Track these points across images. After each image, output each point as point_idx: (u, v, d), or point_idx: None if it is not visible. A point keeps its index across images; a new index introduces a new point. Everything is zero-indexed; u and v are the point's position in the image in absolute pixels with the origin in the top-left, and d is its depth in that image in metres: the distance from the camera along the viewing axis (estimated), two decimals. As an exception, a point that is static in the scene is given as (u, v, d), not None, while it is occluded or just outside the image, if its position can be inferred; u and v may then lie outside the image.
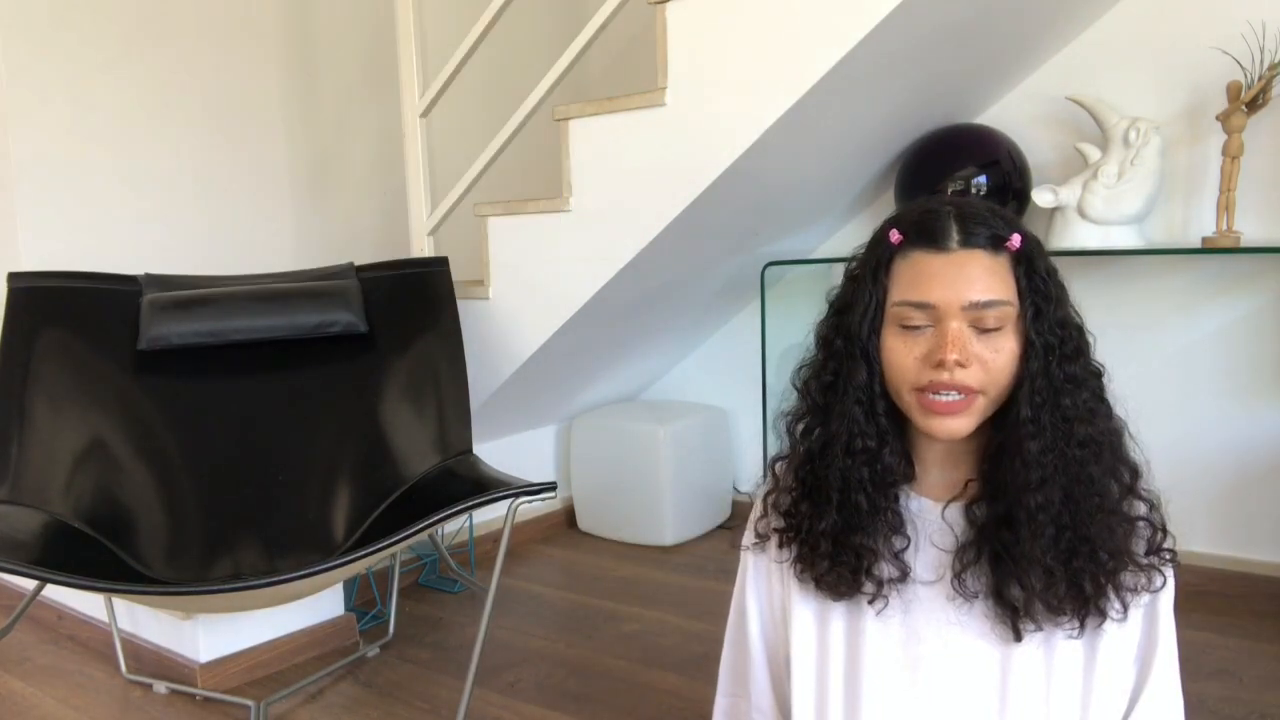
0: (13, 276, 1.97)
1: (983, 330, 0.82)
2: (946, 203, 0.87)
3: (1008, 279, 0.83)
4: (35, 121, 2.25)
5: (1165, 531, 0.86)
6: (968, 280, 0.81)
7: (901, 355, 0.84)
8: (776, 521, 0.95)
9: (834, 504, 0.88)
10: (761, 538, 0.97)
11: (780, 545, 0.95)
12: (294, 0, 2.73)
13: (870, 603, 0.88)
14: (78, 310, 1.99)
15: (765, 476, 0.99)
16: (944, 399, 0.82)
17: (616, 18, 2.08)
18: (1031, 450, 0.82)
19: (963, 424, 0.83)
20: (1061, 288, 0.86)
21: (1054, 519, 0.82)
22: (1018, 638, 0.84)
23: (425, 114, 2.44)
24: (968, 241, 0.83)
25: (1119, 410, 0.88)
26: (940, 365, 0.81)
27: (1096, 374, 0.86)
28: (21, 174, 2.23)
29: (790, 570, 0.93)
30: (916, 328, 0.83)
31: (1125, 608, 0.83)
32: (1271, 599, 2.26)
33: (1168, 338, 2.38)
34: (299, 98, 2.77)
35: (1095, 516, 0.82)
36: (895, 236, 0.86)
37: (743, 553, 1.01)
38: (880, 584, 0.88)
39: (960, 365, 0.81)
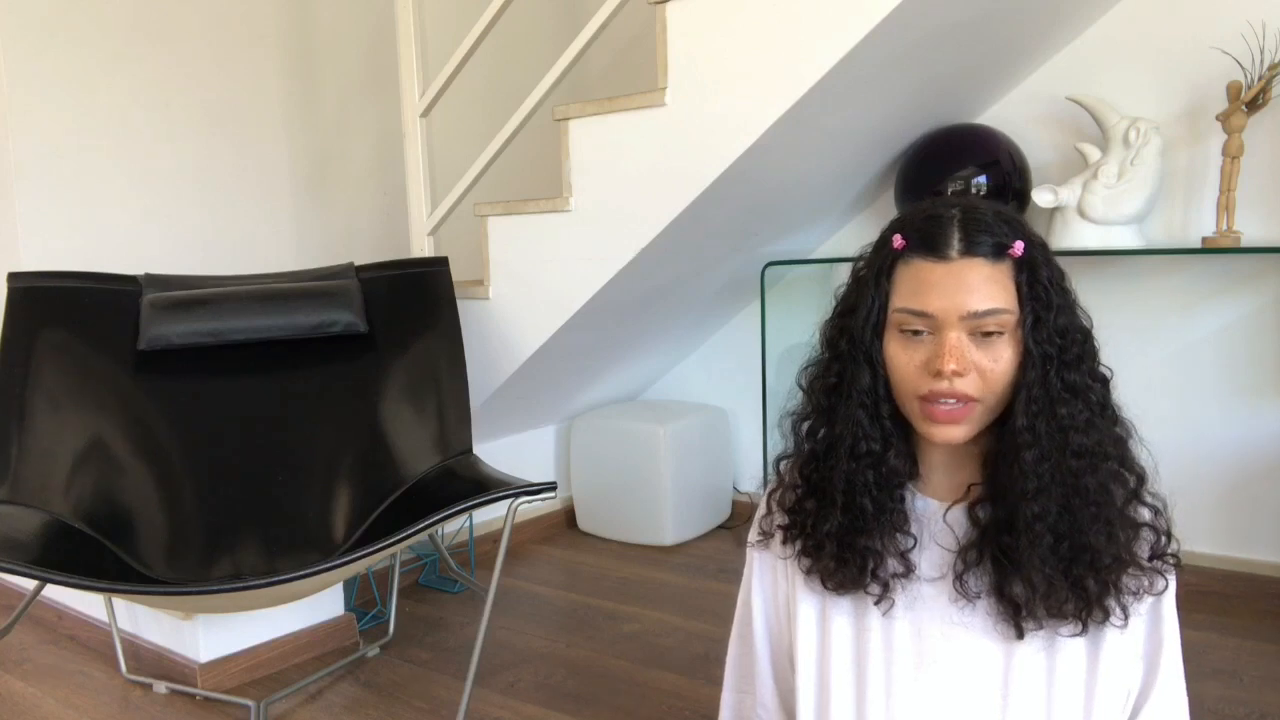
0: (13, 276, 1.97)
1: (983, 338, 0.82)
2: (953, 206, 0.86)
3: (1008, 286, 0.82)
4: (35, 121, 2.25)
5: (1170, 536, 0.86)
6: (967, 290, 0.81)
7: (903, 363, 0.85)
8: (781, 519, 0.96)
9: (839, 505, 0.88)
10: (766, 534, 0.98)
11: (784, 542, 0.95)
12: (294, 0, 2.73)
13: (876, 604, 0.89)
14: (78, 310, 1.99)
15: (770, 475, 1.00)
16: (943, 407, 0.83)
17: (616, 18, 2.08)
18: (1028, 459, 0.82)
19: (960, 431, 0.84)
20: (1067, 293, 0.85)
21: (1051, 528, 0.82)
22: (1020, 635, 0.85)
23: (425, 114, 2.44)
24: (969, 250, 0.82)
25: (1125, 413, 0.87)
26: (939, 374, 0.81)
27: (1102, 380, 0.86)
28: (21, 174, 2.23)
29: (795, 565, 0.94)
30: (917, 333, 0.84)
31: (1126, 614, 0.84)
32: (1272, 599, 2.26)
33: (1168, 338, 2.38)
34: (299, 98, 2.77)
35: (1094, 526, 0.82)
36: (899, 242, 0.86)
37: (748, 549, 1.02)
38: (885, 585, 0.88)
39: (958, 374, 0.81)
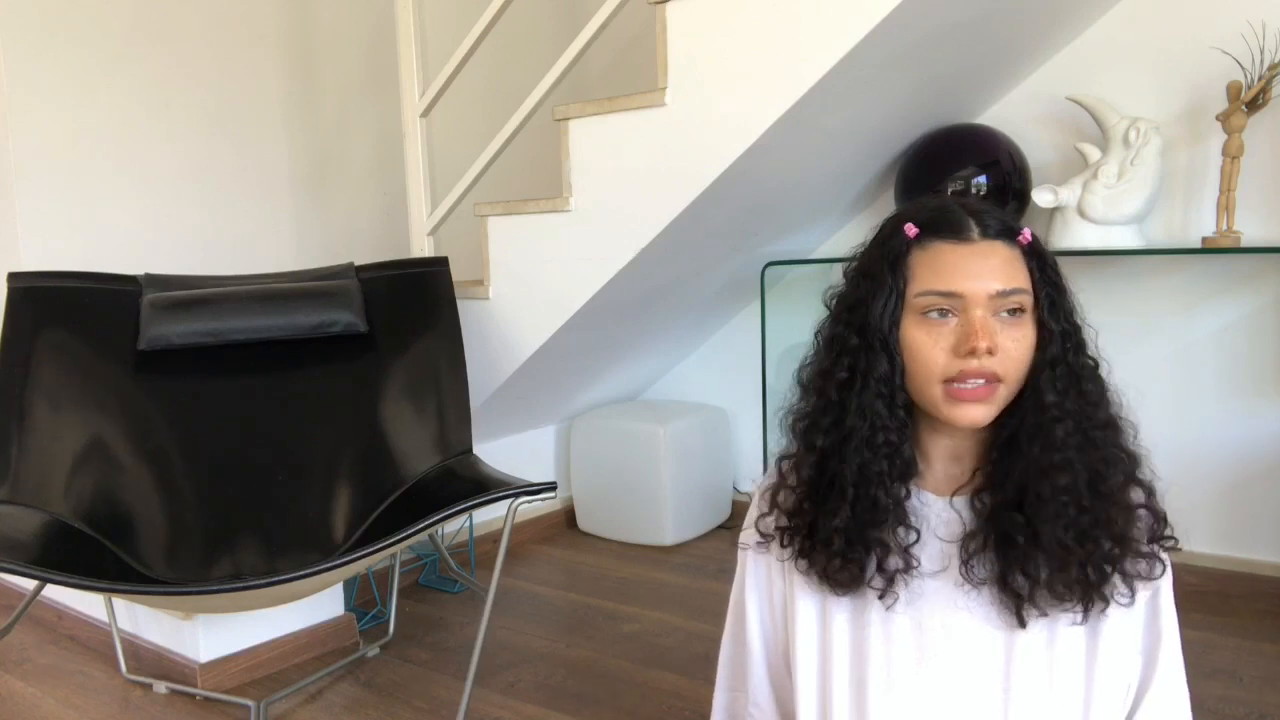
0: (13, 276, 1.97)
1: (1006, 318, 0.84)
2: (951, 200, 0.89)
3: (1024, 270, 0.85)
4: (35, 121, 2.25)
5: (1165, 520, 0.87)
6: (991, 270, 0.83)
7: (928, 348, 0.85)
8: (780, 520, 0.95)
9: (848, 499, 0.88)
10: (765, 536, 0.97)
11: (783, 544, 0.95)
12: (294, 0, 2.73)
13: (880, 598, 0.89)
14: (78, 310, 1.99)
15: (768, 471, 0.99)
16: (970, 386, 0.83)
17: (616, 18, 2.08)
18: (1058, 433, 0.84)
19: (985, 412, 0.84)
20: (1066, 282, 0.88)
21: (1076, 501, 0.83)
22: (1021, 624, 0.85)
23: (425, 114, 2.44)
24: (986, 233, 0.85)
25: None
26: (971, 353, 0.82)
27: (1098, 364, 0.89)
28: (21, 174, 2.23)
29: (793, 566, 0.94)
30: (944, 313, 0.84)
31: (1132, 592, 0.85)
32: (1271, 599, 2.26)
33: (1168, 338, 2.38)
34: (299, 97, 2.77)
35: (1108, 499, 0.84)
36: (911, 230, 0.87)
37: (741, 551, 1.02)
38: (889, 579, 0.88)
39: (990, 352, 0.82)
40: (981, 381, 0.83)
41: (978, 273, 0.83)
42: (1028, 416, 0.85)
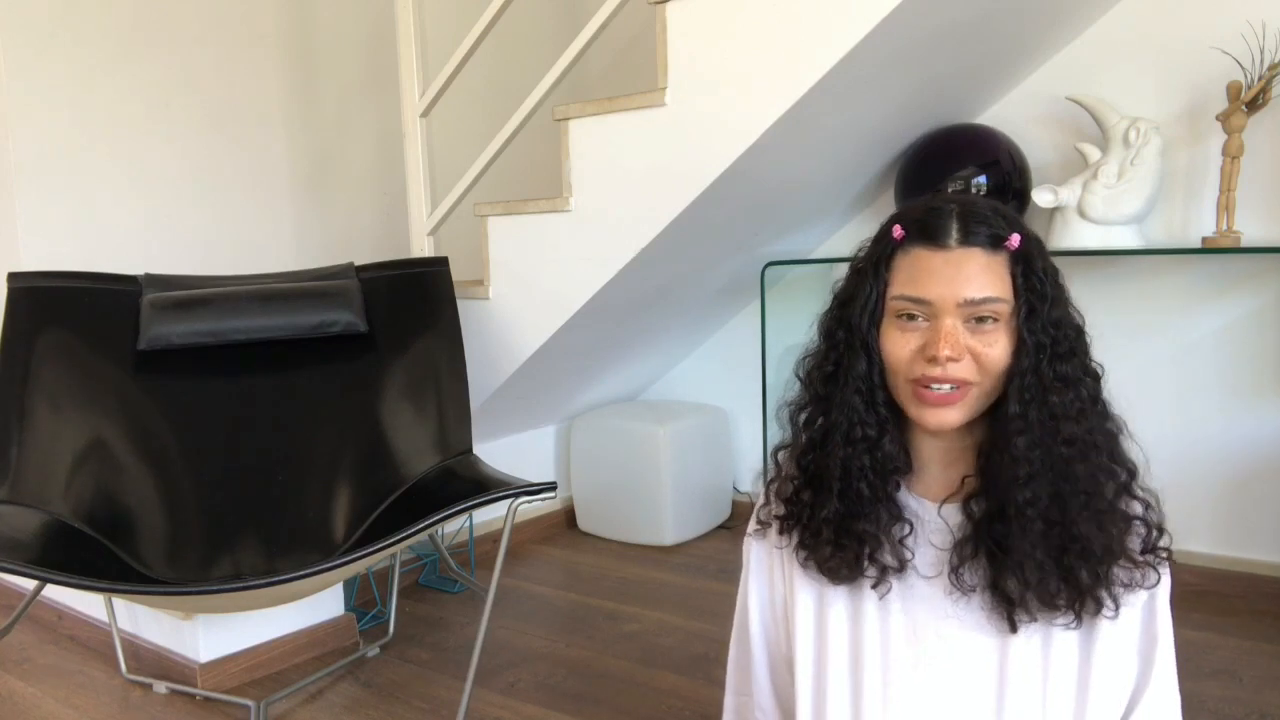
0: (13, 276, 1.97)
1: (977, 324, 0.84)
2: (950, 201, 0.88)
3: (1004, 277, 0.84)
4: (35, 121, 2.25)
5: (1161, 530, 0.87)
6: (964, 278, 0.83)
7: (899, 347, 0.86)
8: (778, 509, 0.96)
9: (835, 492, 0.89)
10: (764, 524, 0.99)
11: (781, 532, 0.96)
12: (294, 0, 2.73)
13: (874, 587, 0.89)
14: (78, 310, 1.99)
15: (768, 466, 1.00)
16: (936, 390, 0.84)
17: (616, 18, 2.08)
18: (1019, 446, 0.83)
19: (954, 415, 0.85)
20: (1061, 288, 0.87)
21: (1042, 515, 0.83)
22: (1013, 629, 0.85)
23: (425, 114, 2.44)
24: (967, 240, 0.84)
25: (1117, 409, 0.89)
26: (934, 360, 0.83)
27: (1094, 375, 0.88)
28: (21, 174, 2.24)
29: (792, 556, 0.95)
30: (913, 318, 0.85)
31: (1117, 605, 0.84)
32: (1271, 599, 2.26)
33: (1168, 338, 2.38)
34: (299, 97, 2.77)
35: (1084, 514, 0.83)
36: (898, 232, 0.88)
37: (745, 542, 1.03)
38: (883, 569, 0.89)
39: (953, 360, 0.83)
40: (948, 386, 0.83)
41: (949, 281, 0.83)
42: (997, 426, 0.85)
